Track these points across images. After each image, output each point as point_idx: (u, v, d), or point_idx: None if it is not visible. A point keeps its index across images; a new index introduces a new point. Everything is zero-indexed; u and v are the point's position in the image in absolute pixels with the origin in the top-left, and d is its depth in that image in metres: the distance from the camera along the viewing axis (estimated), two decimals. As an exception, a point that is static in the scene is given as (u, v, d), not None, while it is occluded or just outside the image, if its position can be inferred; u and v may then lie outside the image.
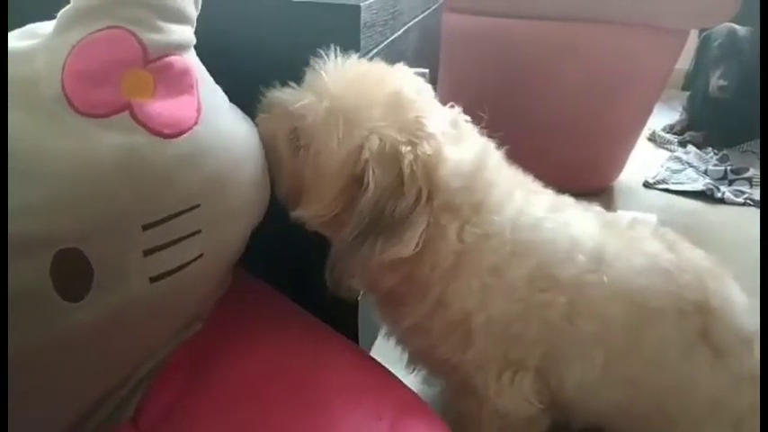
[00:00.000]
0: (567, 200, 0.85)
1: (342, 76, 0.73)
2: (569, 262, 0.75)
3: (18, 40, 0.59)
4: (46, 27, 0.59)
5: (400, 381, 0.74)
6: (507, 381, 0.78)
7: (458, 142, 0.75)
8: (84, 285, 0.54)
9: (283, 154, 0.75)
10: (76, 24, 0.56)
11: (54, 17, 0.58)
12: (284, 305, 0.82)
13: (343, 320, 0.82)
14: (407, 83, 0.76)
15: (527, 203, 0.78)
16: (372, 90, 0.72)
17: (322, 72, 0.73)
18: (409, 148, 0.69)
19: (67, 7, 0.57)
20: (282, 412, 0.64)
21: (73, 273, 0.53)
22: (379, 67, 0.77)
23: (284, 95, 0.75)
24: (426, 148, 0.69)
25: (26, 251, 0.50)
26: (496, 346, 0.77)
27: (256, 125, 0.75)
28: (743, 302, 0.81)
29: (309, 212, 0.73)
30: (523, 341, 0.77)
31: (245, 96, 0.73)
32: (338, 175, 0.70)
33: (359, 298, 1.00)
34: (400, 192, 0.68)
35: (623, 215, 0.90)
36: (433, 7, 1.30)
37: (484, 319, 0.75)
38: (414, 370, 0.93)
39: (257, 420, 0.63)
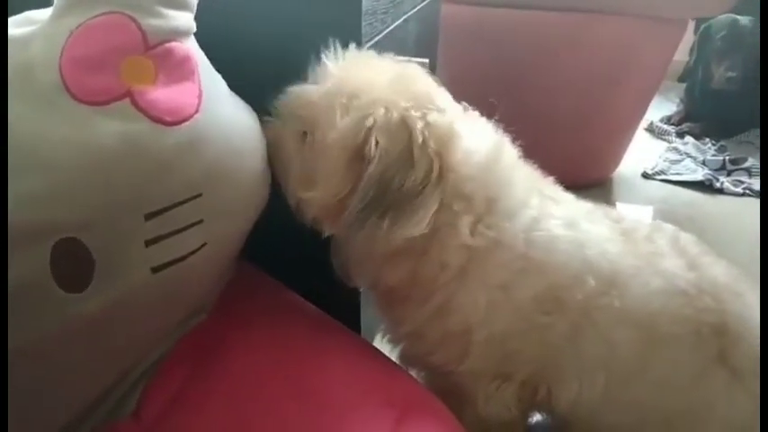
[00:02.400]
0: (585, 208, 0.81)
1: (342, 61, 0.72)
2: (578, 286, 0.72)
3: (14, 27, 0.57)
4: (43, 14, 0.58)
5: (407, 373, 0.74)
6: (494, 389, 0.77)
7: (471, 130, 0.72)
8: (86, 276, 0.53)
9: (291, 151, 0.72)
10: (74, 9, 0.55)
11: (51, 4, 0.57)
12: (289, 297, 0.81)
13: (345, 317, 0.81)
14: (412, 66, 0.74)
15: (543, 215, 0.74)
16: (375, 69, 0.71)
17: (323, 62, 0.72)
18: (419, 114, 0.66)
19: (64, -8, 0.56)
20: (287, 405, 0.63)
21: (73, 263, 0.52)
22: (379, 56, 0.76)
23: (289, 95, 0.74)
24: (438, 118, 0.67)
25: (25, 242, 0.49)
26: (492, 360, 0.76)
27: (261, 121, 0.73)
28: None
29: (316, 196, 0.70)
30: (519, 358, 0.75)
31: (245, 86, 0.72)
32: (341, 149, 0.67)
33: (360, 291, 0.99)
34: (409, 164, 0.65)
35: (638, 221, 0.84)
36: (432, -4, 1.29)
37: (486, 334, 0.73)
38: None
39: (262, 413, 0.62)
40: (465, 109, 0.76)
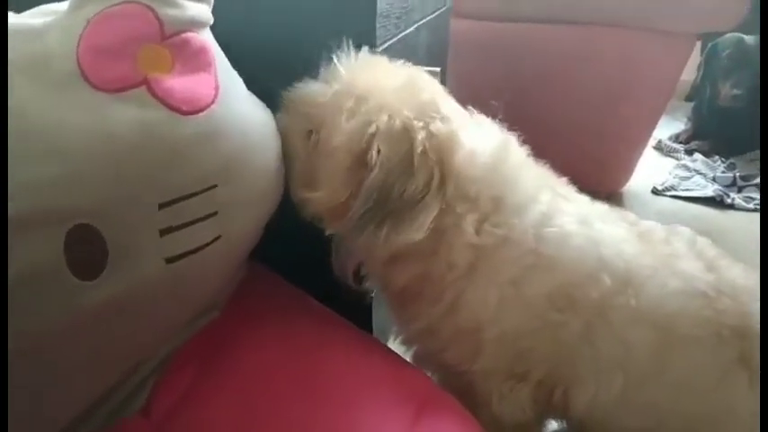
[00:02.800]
0: (600, 208, 0.80)
1: (353, 63, 0.72)
2: (593, 285, 0.71)
3: (30, 18, 0.58)
4: (61, 6, 0.58)
5: (420, 370, 0.72)
6: (508, 389, 0.76)
7: (476, 133, 0.73)
8: (99, 264, 0.52)
9: (297, 147, 0.73)
10: (92, 0, 0.55)
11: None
12: (300, 297, 0.80)
13: (357, 320, 0.80)
14: (421, 73, 0.75)
15: (554, 211, 0.73)
16: (384, 74, 0.72)
17: (334, 63, 0.72)
18: (422, 124, 0.67)
19: (82, -16, 0.56)
20: (298, 402, 0.62)
21: (87, 250, 0.51)
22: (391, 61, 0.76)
23: (299, 90, 0.74)
24: (440, 126, 0.67)
25: (40, 226, 0.48)
26: (505, 359, 0.74)
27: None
28: None
29: (318, 197, 0.70)
30: (532, 357, 0.74)
31: (261, 86, 0.72)
32: (345, 153, 0.67)
33: (372, 296, 0.98)
34: (410, 172, 0.65)
35: (655, 224, 0.83)
36: (442, 9, 1.30)
37: (497, 332, 0.72)
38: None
39: (273, 411, 0.61)
40: (471, 113, 0.77)
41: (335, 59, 0.72)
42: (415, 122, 0.67)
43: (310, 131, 0.72)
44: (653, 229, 0.81)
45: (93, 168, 0.51)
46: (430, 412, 0.62)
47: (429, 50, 1.18)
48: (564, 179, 0.82)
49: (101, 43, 0.53)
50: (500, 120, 0.78)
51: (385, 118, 0.66)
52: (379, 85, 0.70)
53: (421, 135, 0.66)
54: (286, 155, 0.73)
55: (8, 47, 0.52)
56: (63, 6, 0.57)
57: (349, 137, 0.67)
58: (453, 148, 0.69)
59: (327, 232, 0.74)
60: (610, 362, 0.72)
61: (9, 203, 0.46)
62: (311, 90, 0.73)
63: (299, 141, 0.73)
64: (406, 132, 0.66)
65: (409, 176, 0.65)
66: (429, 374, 0.83)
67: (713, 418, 0.73)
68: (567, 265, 0.71)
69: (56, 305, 0.50)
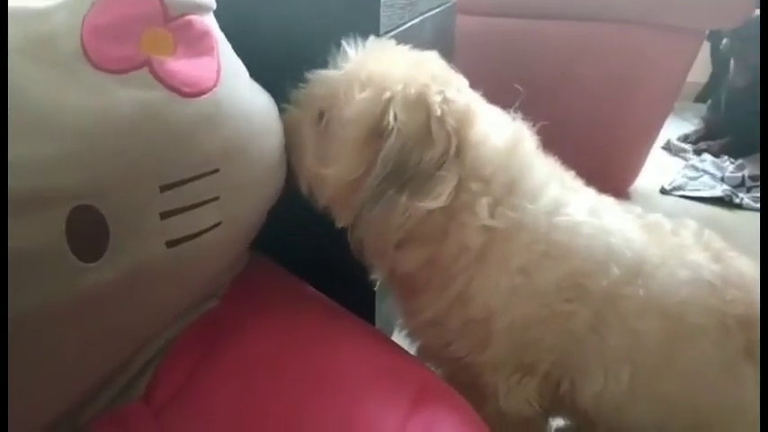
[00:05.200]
0: (608, 200, 0.80)
1: (362, 50, 0.72)
2: (602, 273, 0.70)
3: (37, 1, 0.58)
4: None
5: (421, 362, 0.71)
6: (515, 382, 0.75)
7: (491, 114, 0.73)
8: (100, 245, 0.52)
9: (306, 134, 0.72)
10: (96, -17, 0.55)
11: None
12: (302, 288, 0.80)
13: (360, 313, 0.79)
14: (432, 54, 0.75)
15: (565, 201, 0.73)
16: (394, 56, 0.72)
17: (343, 50, 0.72)
18: (438, 89, 0.67)
19: (87, -33, 0.56)
20: (298, 389, 0.61)
21: (89, 231, 0.51)
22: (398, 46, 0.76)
23: (307, 86, 0.74)
24: (457, 95, 0.68)
25: (41, 207, 0.48)
26: (514, 349, 0.73)
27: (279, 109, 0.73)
28: None
29: (334, 172, 0.69)
30: (540, 347, 0.73)
31: (264, 74, 0.71)
32: (360, 124, 0.66)
33: (375, 289, 0.98)
34: (428, 140, 0.65)
35: (661, 217, 0.82)
36: (448, 4, 1.30)
37: (507, 321, 0.71)
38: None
39: (273, 397, 0.60)
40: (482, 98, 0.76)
41: (344, 46, 0.73)
42: (431, 90, 0.67)
43: (321, 115, 0.71)
44: (660, 221, 0.80)
45: (94, 148, 0.50)
46: (428, 402, 0.61)
47: (435, 47, 1.18)
48: (571, 173, 0.81)
49: (105, 24, 0.53)
50: (515, 111, 0.77)
51: (400, 86, 0.66)
52: (391, 62, 0.70)
53: (438, 99, 0.66)
54: (296, 145, 0.73)
55: (13, 29, 0.53)
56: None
57: (362, 107, 0.67)
58: (470, 118, 0.68)
59: (339, 223, 0.74)
60: (618, 352, 0.72)
61: (9, 184, 0.46)
62: (320, 75, 0.73)
63: (309, 128, 0.72)
64: (423, 99, 0.66)
65: (427, 144, 0.65)
66: (433, 369, 0.83)
67: (722, 411, 0.72)
68: (578, 253, 0.70)
69: (58, 287, 0.50)
